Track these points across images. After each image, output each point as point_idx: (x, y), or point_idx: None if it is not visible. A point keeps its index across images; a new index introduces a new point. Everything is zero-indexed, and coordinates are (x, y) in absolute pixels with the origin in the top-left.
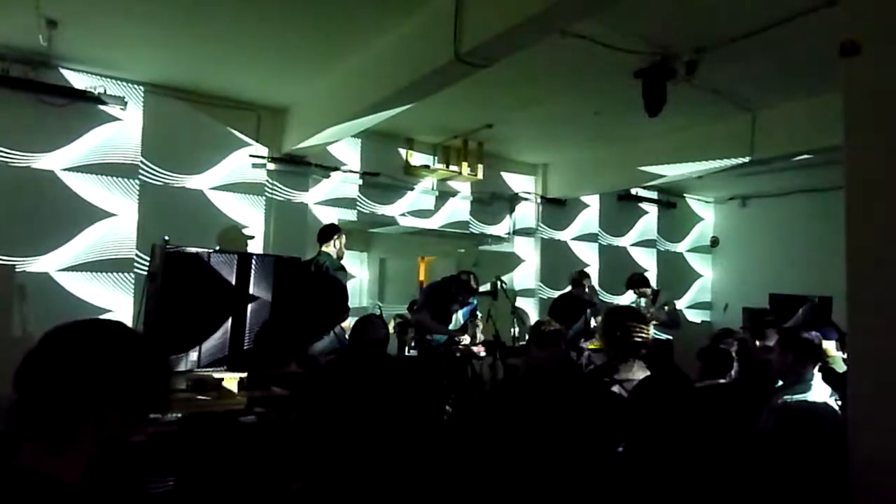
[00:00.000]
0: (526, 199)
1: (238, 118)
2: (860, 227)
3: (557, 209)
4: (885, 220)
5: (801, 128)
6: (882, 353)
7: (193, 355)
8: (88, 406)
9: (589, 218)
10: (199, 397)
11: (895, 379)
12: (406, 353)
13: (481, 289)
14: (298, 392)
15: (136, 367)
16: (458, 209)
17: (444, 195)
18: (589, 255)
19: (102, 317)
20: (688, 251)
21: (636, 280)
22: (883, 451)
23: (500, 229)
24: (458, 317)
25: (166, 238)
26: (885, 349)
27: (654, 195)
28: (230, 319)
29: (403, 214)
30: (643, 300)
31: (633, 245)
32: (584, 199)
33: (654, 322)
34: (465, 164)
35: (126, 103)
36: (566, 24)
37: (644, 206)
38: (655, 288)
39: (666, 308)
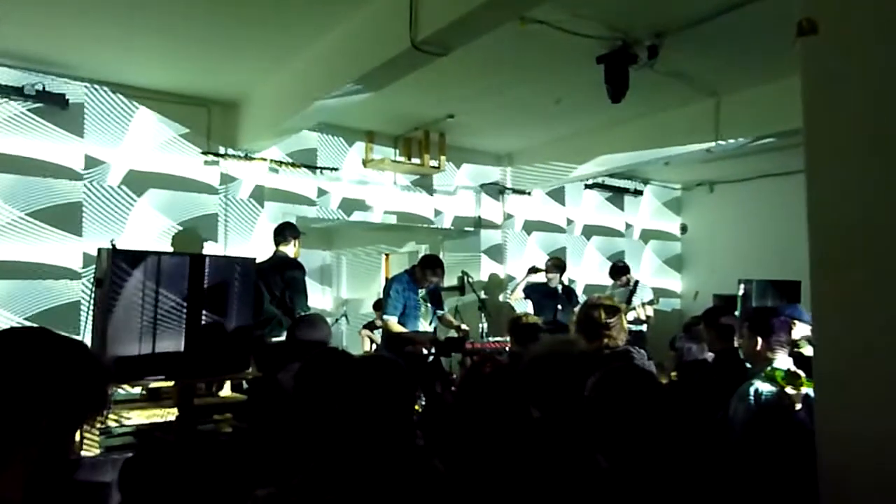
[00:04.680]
0: (491, 191)
1: (188, 114)
2: (819, 208)
3: (523, 200)
4: (843, 201)
5: (765, 111)
6: (845, 341)
7: (146, 363)
8: (22, 422)
9: (556, 208)
10: (154, 406)
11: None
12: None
13: (447, 283)
14: (253, 398)
15: (67, 373)
16: (422, 202)
17: (406, 188)
18: (557, 246)
19: (44, 326)
20: (652, 239)
21: (618, 268)
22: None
23: (466, 222)
24: (427, 305)
25: (113, 241)
26: (848, 336)
27: (621, 183)
28: (184, 324)
29: (364, 210)
30: (621, 290)
31: (598, 234)
32: (552, 188)
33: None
34: (427, 156)
35: (67, 101)
36: (524, 10)
37: (611, 194)
38: (635, 279)
39: (646, 307)
